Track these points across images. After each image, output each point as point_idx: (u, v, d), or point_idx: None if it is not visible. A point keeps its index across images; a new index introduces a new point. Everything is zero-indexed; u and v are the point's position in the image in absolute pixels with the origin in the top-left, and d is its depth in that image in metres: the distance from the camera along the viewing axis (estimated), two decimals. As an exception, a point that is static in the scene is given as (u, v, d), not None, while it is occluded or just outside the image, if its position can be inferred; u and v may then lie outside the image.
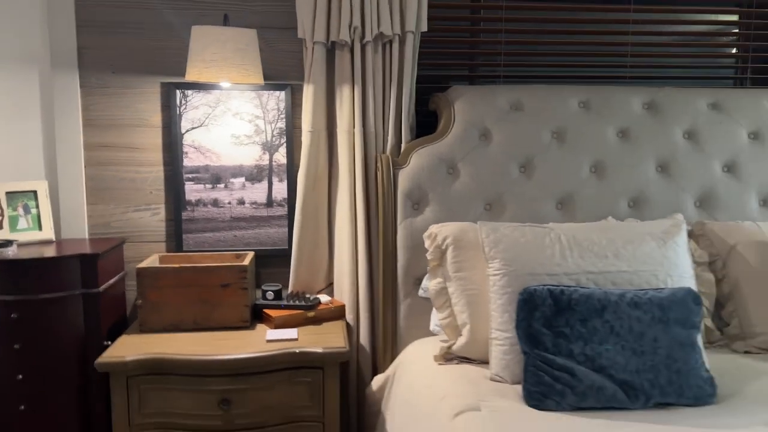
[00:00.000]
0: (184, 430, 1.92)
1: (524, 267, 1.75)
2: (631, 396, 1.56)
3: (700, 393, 1.58)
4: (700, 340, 1.67)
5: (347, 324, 2.28)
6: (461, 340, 1.88)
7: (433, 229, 2.01)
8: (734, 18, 2.69)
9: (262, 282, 2.37)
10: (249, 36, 2.07)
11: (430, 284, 1.98)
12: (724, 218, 2.29)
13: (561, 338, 1.60)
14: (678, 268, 1.80)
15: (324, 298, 2.31)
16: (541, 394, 1.56)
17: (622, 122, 2.33)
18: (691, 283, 1.80)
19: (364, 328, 2.28)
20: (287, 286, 2.36)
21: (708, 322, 2.03)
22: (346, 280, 2.29)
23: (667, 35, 2.61)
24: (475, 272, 1.89)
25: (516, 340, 1.68)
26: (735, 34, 2.70)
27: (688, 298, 1.65)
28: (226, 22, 2.16)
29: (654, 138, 2.33)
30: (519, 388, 1.65)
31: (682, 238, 1.90)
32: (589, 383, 1.55)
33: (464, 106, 2.28)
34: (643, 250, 1.81)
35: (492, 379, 1.74)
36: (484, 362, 1.82)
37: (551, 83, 2.46)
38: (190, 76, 2.05)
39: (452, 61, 2.59)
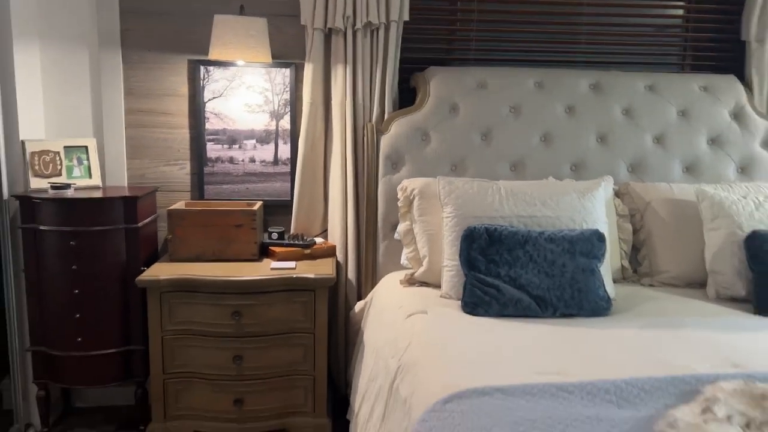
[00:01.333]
0: (204, 335, 2.43)
1: (470, 211, 2.24)
2: (542, 307, 2.05)
3: (596, 307, 2.08)
4: (601, 268, 2.15)
5: (337, 261, 2.78)
6: (421, 269, 2.39)
7: (405, 183, 2.51)
8: (679, 12, 3.12)
9: (269, 226, 2.87)
10: (260, 24, 2.56)
11: (400, 226, 2.48)
12: (652, 182, 2.74)
13: (492, 264, 2.09)
14: (592, 216, 2.28)
15: (319, 240, 2.81)
16: (473, 303, 2.06)
17: (570, 100, 2.79)
18: (602, 227, 2.27)
19: (351, 264, 2.78)
20: (289, 230, 2.86)
21: (625, 262, 2.52)
22: (338, 226, 2.79)
23: (617, 26, 3.04)
24: (434, 216, 2.38)
25: (461, 267, 2.17)
26: (679, 26, 3.13)
27: (593, 237, 2.14)
28: (242, 11, 2.64)
29: (596, 114, 2.78)
30: (461, 302, 2.14)
31: (600, 193, 2.37)
32: (510, 296, 2.05)
33: (438, 84, 2.74)
34: (565, 200, 2.29)
35: (442, 297, 2.25)
36: (439, 286, 2.32)
37: (516, 65, 2.92)
38: (213, 55, 2.54)
39: (432, 45, 3.03)
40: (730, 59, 3.06)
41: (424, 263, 2.39)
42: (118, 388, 2.81)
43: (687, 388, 1.41)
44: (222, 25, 2.52)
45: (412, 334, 1.91)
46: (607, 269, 2.23)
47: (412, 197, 2.44)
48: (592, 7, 2.97)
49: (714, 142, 2.84)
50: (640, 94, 2.82)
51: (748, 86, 2.94)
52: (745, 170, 2.83)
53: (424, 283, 2.40)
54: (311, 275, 2.44)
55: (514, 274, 2.07)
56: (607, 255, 2.24)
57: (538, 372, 1.56)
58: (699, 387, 1.37)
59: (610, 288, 2.20)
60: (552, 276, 2.07)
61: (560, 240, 2.11)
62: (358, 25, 2.65)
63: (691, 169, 2.81)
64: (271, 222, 2.91)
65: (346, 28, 2.66)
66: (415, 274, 2.40)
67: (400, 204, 2.48)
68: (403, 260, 2.51)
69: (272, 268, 2.51)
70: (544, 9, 2.97)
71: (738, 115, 2.86)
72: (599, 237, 2.15)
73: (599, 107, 2.79)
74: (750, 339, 1.85)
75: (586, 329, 1.94)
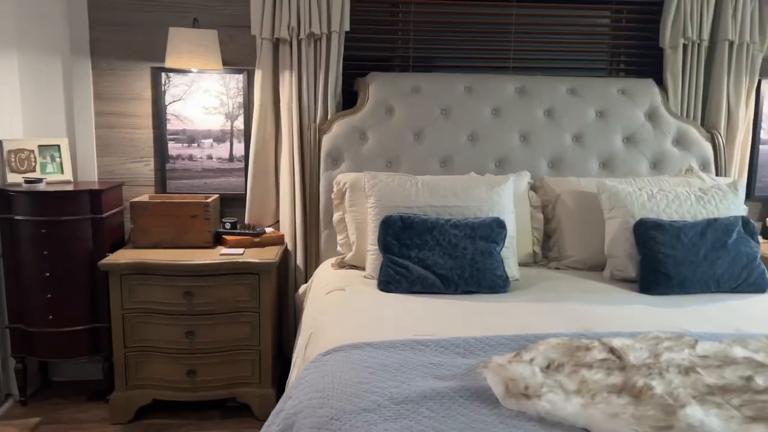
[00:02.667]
0: (160, 313, 2.73)
1: (389, 202, 2.52)
2: (446, 284, 2.34)
3: (494, 285, 2.36)
4: (503, 251, 2.43)
5: (287, 249, 3.07)
6: (350, 254, 2.68)
7: (339, 177, 2.80)
8: (605, 21, 3.40)
9: (224, 217, 3.16)
10: (211, 35, 2.86)
11: (334, 216, 2.77)
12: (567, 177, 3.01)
13: (404, 247, 2.38)
14: (499, 206, 2.56)
15: (269, 229, 3.10)
16: (386, 281, 2.35)
17: (496, 102, 3.06)
18: (507, 216, 2.54)
19: (299, 251, 3.07)
20: (243, 221, 3.16)
21: (536, 248, 2.80)
22: (287, 217, 3.07)
23: (546, 35, 3.31)
24: (362, 207, 2.66)
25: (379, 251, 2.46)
26: (605, 33, 3.40)
27: (493, 224, 2.42)
28: (195, 24, 2.94)
29: (520, 115, 3.05)
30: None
31: (509, 186, 2.65)
32: (417, 275, 2.33)
33: (376, 88, 3.03)
34: (475, 192, 2.57)
35: (365, 277, 2.54)
36: (365, 268, 2.61)
37: (449, 70, 3.20)
38: (168, 63, 2.84)
39: (376, 53, 3.32)
40: (652, 64, 3.33)
41: (353, 248, 2.68)
42: (92, 364, 3.10)
43: (525, 344, 1.69)
44: (176, 37, 2.82)
45: (326, 307, 2.20)
46: (511, 252, 2.51)
47: (344, 190, 2.73)
48: (521, 17, 3.24)
49: (629, 140, 3.11)
50: (562, 97, 3.09)
51: (665, 90, 3.21)
52: (657, 166, 3.10)
53: (353, 266, 2.69)
54: (255, 260, 2.74)
55: (423, 256, 2.36)
56: (513, 239, 2.53)
57: (415, 334, 1.85)
58: (534, 343, 1.65)
59: (513, 269, 2.49)
60: (454, 257, 2.35)
61: (463, 226, 2.40)
62: (302, 35, 2.94)
63: (607, 165, 3.09)
64: (228, 213, 3.20)
65: (291, 38, 2.95)
66: (345, 258, 2.70)
67: (333, 196, 2.77)
68: (338, 247, 2.80)
69: (221, 254, 2.80)
70: (476, 19, 3.24)
71: (652, 116, 3.13)
72: (499, 224, 2.43)
73: (523, 109, 3.06)
74: (615, 311, 2.13)
75: (480, 303, 2.23)
